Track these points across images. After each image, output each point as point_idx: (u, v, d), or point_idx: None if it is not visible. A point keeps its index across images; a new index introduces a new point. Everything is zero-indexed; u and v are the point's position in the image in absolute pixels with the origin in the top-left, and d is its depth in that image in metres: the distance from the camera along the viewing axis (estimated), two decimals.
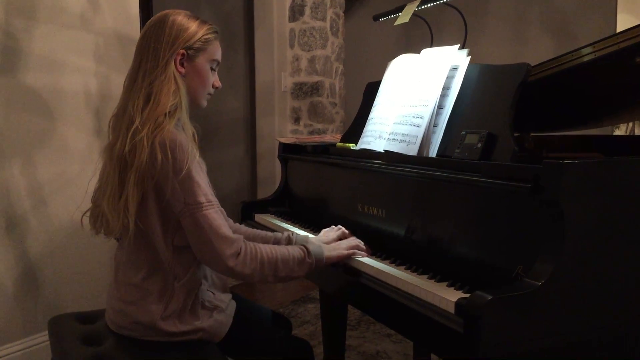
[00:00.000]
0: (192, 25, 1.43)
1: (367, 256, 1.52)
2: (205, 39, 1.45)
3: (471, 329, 1.04)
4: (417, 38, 3.80)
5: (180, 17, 1.44)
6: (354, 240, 1.57)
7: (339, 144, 1.97)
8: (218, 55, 1.50)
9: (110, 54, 2.59)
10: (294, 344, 1.67)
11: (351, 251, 1.52)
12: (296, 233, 1.70)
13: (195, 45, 1.43)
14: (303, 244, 1.49)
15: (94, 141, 2.53)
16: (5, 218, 2.26)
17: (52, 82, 2.40)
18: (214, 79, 1.50)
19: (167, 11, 1.46)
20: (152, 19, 1.47)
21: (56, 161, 2.42)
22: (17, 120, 2.28)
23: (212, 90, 1.52)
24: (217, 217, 1.35)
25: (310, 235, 1.69)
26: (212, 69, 1.49)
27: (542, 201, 1.12)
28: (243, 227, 1.74)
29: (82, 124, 2.50)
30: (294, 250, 1.43)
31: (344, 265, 1.52)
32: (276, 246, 1.43)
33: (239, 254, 1.34)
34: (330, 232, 1.64)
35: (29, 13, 2.30)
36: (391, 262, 1.45)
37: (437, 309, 1.17)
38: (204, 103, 1.52)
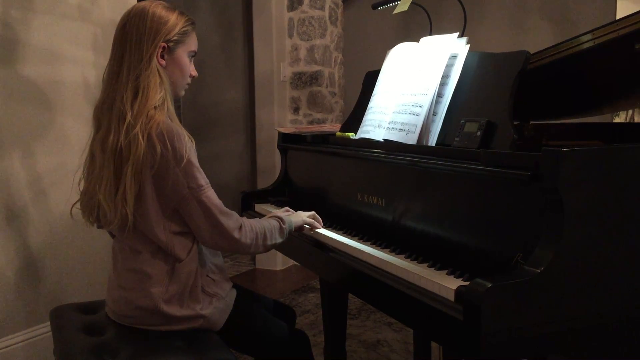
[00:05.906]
0: (172, 17, 1.46)
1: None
2: (184, 30, 1.48)
3: (471, 316, 1.04)
4: (416, 26, 3.79)
5: (160, 9, 1.45)
6: (311, 213, 1.71)
7: (339, 133, 1.97)
8: (195, 46, 1.54)
9: (108, 45, 2.54)
10: (291, 334, 1.68)
11: (310, 220, 1.68)
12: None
13: (175, 38, 1.46)
14: (275, 214, 1.61)
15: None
16: (5, 209, 2.26)
17: (50, 73, 2.39)
18: (191, 68, 1.54)
19: (143, 3, 1.48)
20: (129, 10, 1.48)
21: (56, 152, 2.42)
22: (16, 112, 2.28)
23: (189, 80, 1.56)
24: (216, 197, 1.43)
25: None
26: (189, 59, 1.53)
27: (541, 189, 1.12)
28: None
29: (81, 115, 2.50)
30: (273, 222, 1.56)
31: (345, 253, 1.53)
32: (258, 219, 1.54)
33: (241, 226, 1.44)
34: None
35: (26, 4, 2.29)
36: (391, 251, 1.45)
37: (437, 296, 1.18)
38: (182, 93, 1.56)
